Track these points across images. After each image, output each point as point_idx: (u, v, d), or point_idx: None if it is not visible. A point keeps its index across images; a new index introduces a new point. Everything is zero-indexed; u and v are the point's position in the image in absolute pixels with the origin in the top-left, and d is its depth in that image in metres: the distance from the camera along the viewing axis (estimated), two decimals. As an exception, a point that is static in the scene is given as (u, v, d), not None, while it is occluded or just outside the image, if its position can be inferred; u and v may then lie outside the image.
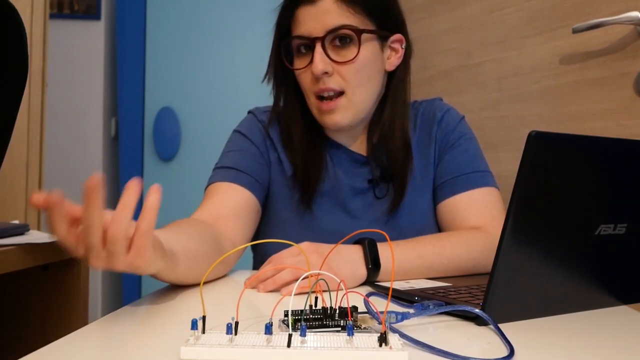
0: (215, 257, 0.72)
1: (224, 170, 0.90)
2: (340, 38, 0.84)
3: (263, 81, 0.94)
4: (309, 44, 0.85)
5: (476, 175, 0.91)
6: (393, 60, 0.91)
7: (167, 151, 2.41)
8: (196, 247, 0.67)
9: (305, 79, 0.87)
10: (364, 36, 0.84)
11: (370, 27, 0.86)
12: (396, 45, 0.91)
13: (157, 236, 0.55)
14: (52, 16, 2.19)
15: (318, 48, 0.83)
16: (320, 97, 0.86)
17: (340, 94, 0.86)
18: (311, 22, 0.84)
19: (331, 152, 0.95)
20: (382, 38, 0.88)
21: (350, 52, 0.84)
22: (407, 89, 0.93)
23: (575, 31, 1.16)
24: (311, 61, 0.84)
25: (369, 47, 0.86)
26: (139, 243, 0.47)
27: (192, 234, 0.70)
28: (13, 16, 0.72)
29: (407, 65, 0.93)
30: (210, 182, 0.90)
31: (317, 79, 0.85)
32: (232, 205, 0.85)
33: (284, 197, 0.94)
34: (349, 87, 0.85)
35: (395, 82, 0.92)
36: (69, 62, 2.38)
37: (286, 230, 0.93)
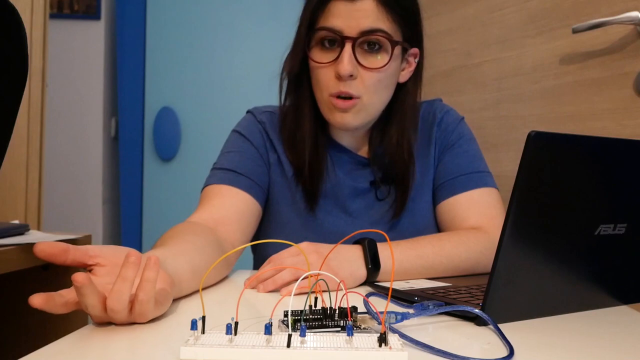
0: (221, 265, 0.72)
1: (223, 172, 0.89)
2: (370, 42, 0.81)
3: (285, 71, 0.90)
4: (338, 40, 0.82)
5: (476, 176, 0.91)
6: (405, 72, 0.89)
7: (167, 151, 2.42)
8: (203, 260, 0.66)
9: (323, 75, 0.84)
10: (396, 48, 0.83)
11: (399, 37, 0.84)
12: (410, 59, 0.89)
13: (165, 267, 0.55)
14: (52, 16, 2.19)
15: (348, 48, 0.80)
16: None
17: (356, 97, 0.83)
18: (345, 18, 0.80)
19: (332, 153, 0.94)
20: (404, 50, 0.87)
21: (377, 59, 0.82)
22: (416, 102, 0.92)
23: (575, 31, 1.16)
24: (336, 59, 0.81)
25: (395, 58, 0.84)
26: (140, 310, 0.48)
27: (198, 245, 0.68)
28: (13, 16, 0.72)
29: (417, 78, 0.91)
30: (208, 184, 0.89)
31: (338, 79, 0.82)
32: (232, 209, 0.84)
33: (285, 199, 0.93)
34: (366, 93, 0.83)
35: (404, 93, 0.90)
36: (69, 62, 2.38)
37: (287, 232, 0.92)
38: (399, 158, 0.90)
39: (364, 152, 0.95)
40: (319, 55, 0.84)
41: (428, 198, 0.94)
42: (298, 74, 0.89)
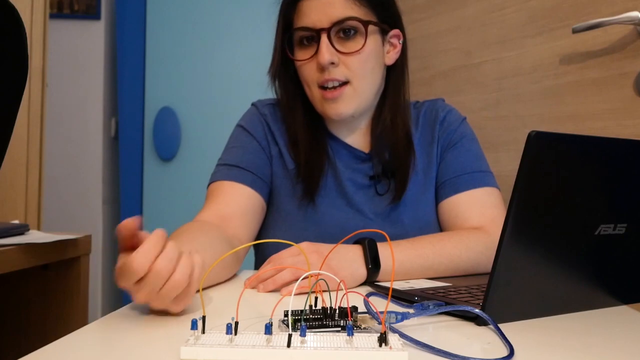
0: (229, 262, 0.72)
1: (227, 168, 0.91)
2: (345, 30, 0.85)
3: (269, 73, 0.95)
4: (313, 35, 0.86)
5: (478, 175, 0.91)
6: (392, 54, 0.93)
7: (167, 151, 2.41)
8: (213, 257, 0.65)
9: (308, 70, 0.88)
10: (369, 28, 0.86)
11: (373, 19, 0.87)
12: (394, 40, 0.92)
13: None
14: (52, 16, 2.19)
15: (324, 39, 0.84)
16: (324, 87, 0.87)
17: (345, 83, 0.87)
18: (316, 14, 0.85)
19: (332, 146, 0.96)
20: (383, 32, 0.90)
21: (355, 44, 0.86)
22: (405, 83, 0.95)
23: (575, 31, 1.16)
24: (316, 52, 0.85)
25: (372, 39, 0.87)
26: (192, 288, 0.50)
27: (206, 243, 0.69)
28: (13, 16, 0.72)
29: (404, 60, 0.95)
30: (213, 180, 0.90)
31: (322, 69, 0.85)
32: (237, 205, 0.86)
33: (287, 190, 0.94)
34: (354, 77, 0.86)
35: (394, 77, 0.94)
36: (69, 62, 2.38)
37: (289, 223, 0.93)
38: (395, 140, 0.92)
39: (363, 146, 0.96)
40: (300, 54, 0.89)
41: (431, 196, 0.95)
42: (282, 75, 0.93)
